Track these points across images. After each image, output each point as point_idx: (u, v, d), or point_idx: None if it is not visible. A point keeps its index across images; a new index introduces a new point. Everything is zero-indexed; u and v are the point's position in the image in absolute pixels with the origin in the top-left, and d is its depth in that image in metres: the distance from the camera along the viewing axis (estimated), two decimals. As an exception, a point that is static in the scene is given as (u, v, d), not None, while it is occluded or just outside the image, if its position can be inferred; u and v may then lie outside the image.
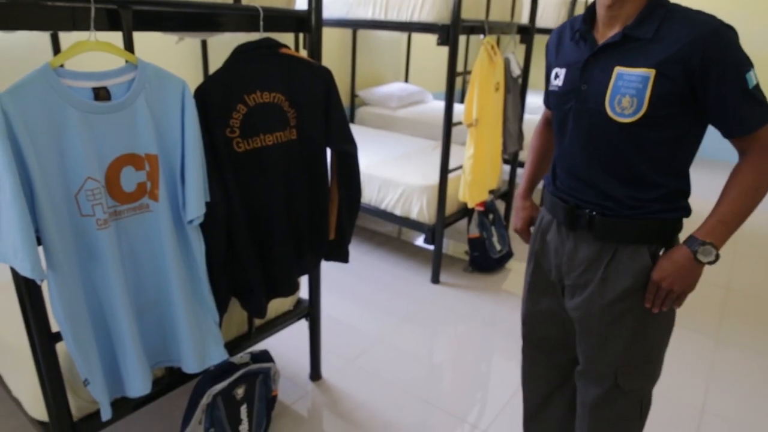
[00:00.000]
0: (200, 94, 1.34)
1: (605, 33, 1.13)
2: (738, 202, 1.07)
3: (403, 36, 4.83)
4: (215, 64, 2.96)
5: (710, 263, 1.08)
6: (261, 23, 1.45)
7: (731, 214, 1.07)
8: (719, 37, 1.01)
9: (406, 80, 5.02)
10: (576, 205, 1.21)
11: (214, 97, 1.36)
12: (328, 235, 1.75)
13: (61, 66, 1.11)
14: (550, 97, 1.28)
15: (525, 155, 3.99)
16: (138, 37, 1.20)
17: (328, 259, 1.82)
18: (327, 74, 1.57)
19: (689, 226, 1.16)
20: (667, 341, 1.25)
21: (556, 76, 1.23)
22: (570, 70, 1.18)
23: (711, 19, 1.03)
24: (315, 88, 1.55)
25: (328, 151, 1.67)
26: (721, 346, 2.43)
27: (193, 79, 1.34)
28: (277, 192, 1.53)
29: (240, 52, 1.42)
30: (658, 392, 1.24)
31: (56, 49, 2.25)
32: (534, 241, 1.37)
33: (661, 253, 1.15)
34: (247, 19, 1.46)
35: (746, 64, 1.02)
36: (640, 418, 1.28)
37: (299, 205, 1.61)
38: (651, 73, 1.04)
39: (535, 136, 1.47)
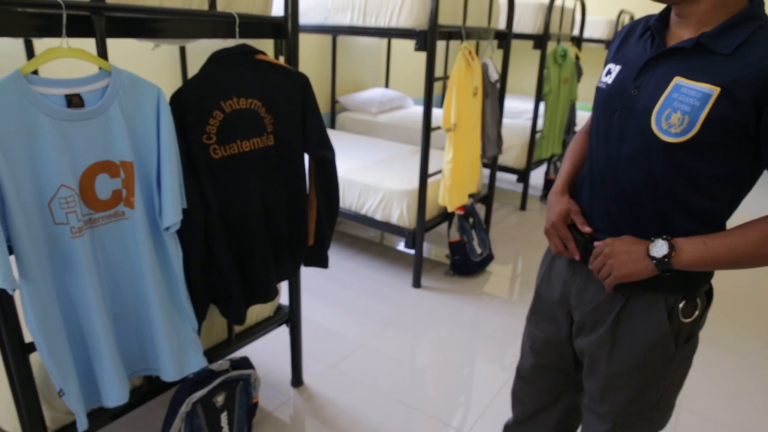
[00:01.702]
0: (176, 100, 1.34)
1: (678, 34, 0.97)
2: (736, 239, 0.92)
3: (383, 41, 4.86)
4: (194, 70, 2.95)
5: (655, 262, 0.95)
6: (237, 29, 1.45)
7: (719, 243, 0.93)
8: None
9: (387, 86, 5.04)
10: (593, 238, 1.07)
11: (190, 103, 1.36)
12: (307, 241, 1.75)
13: (34, 73, 1.10)
14: (595, 95, 1.11)
15: (504, 159, 4.07)
16: (114, 43, 1.19)
17: (307, 264, 1.82)
18: (303, 80, 1.57)
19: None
20: (680, 387, 1.14)
21: (608, 72, 1.06)
22: (625, 69, 1.02)
23: None
24: (291, 93, 1.55)
25: (306, 157, 1.67)
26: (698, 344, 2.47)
27: (172, 85, 1.33)
28: (255, 198, 1.53)
29: (216, 58, 1.42)
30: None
31: (30, 55, 2.22)
32: (542, 264, 1.27)
33: (681, 305, 1.01)
34: (222, 26, 1.46)
35: None
36: None
37: (277, 211, 1.61)
38: (714, 91, 0.87)
39: (578, 136, 1.28)
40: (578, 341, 1.17)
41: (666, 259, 0.94)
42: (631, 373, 1.08)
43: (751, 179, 0.96)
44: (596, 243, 1.05)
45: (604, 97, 1.06)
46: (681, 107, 0.90)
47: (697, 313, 1.04)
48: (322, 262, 1.82)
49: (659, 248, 0.95)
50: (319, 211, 1.74)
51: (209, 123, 1.39)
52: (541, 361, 1.31)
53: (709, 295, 1.07)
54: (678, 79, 0.92)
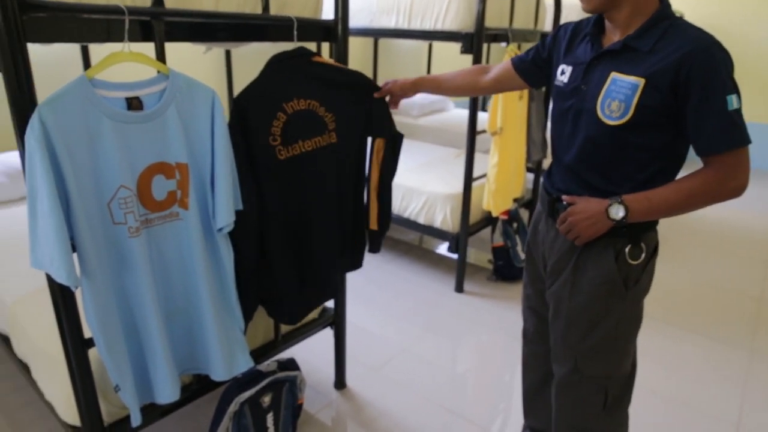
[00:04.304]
0: (240, 103, 1.36)
1: (610, 37, 1.22)
2: (672, 194, 1.15)
3: (424, 44, 4.84)
4: (238, 73, 3.00)
5: (616, 222, 1.17)
6: (295, 33, 1.46)
7: (660, 198, 1.16)
8: (708, 56, 1.06)
9: (428, 88, 5.01)
10: (558, 198, 1.30)
11: (255, 106, 1.38)
12: (365, 239, 1.75)
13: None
14: (553, 91, 1.34)
15: (548, 163, 3.98)
16: (165, 47, 1.22)
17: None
18: (362, 76, 1.58)
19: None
20: (633, 333, 1.32)
21: (563, 72, 1.30)
22: (575, 69, 1.26)
23: (706, 37, 1.09)
24: (352, 90, 1.56)
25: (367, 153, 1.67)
26: (755, 359, 2.36)
27: (217, 88, 1.36)
28: (320, 196, 1.55)
29: (275, 61, 1.43)
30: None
31: (85, 59, 2.30)
32: (529, 232, 1.48)
33: (627, 249, 1.22)
34: (276, 29, 1.47)
35: (730, 86, 1.07)
36: (603, 409, 1.34)
37: (343, 207, 1.62)
38: (641, 81, 1.11)
39: (465, 69, 1.60)
40: (549, 291, 1.37)
41: (624, 220, 1.17)
42: (586, 308, 1.29)
43: (681, 149, 1.19)
44: (561, 215, 1.27)
45: (561, 93, 1.29)
46: (618, 96, 1.14)
47: (643, 256, 1.24)
48: (375, 247, 1.80)
49: (617, 211, 1.17)
50: (380, 192, 1.70)
51: (273, 125, 1.41)
52: (527, 325, 1.55)
53: (655, 248, 1.28)
54: (614, 74, 1.16)
